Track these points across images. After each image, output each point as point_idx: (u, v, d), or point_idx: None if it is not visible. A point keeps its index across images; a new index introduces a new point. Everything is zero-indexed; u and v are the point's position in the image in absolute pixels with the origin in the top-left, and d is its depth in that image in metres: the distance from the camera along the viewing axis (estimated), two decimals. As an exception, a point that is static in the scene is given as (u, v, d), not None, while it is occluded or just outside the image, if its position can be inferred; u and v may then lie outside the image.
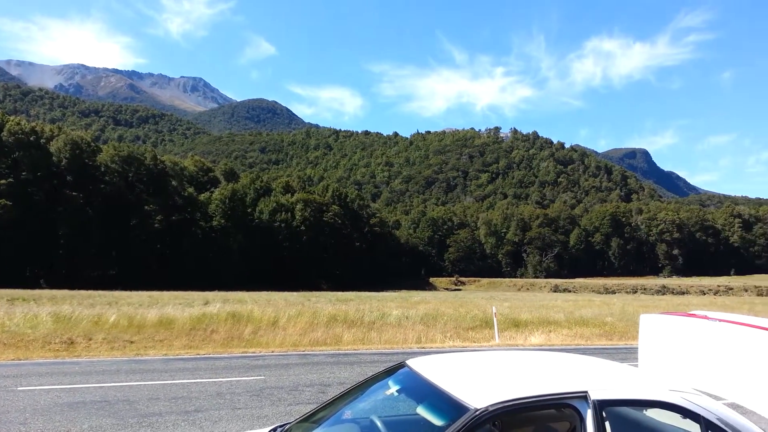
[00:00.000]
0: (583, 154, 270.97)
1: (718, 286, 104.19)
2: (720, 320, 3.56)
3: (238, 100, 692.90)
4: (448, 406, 2.77)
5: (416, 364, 3.45)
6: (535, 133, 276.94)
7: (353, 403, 3.56)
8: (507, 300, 45.67)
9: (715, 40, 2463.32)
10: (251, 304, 25.74)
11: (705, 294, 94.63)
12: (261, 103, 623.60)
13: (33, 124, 79.55)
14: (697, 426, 2.87)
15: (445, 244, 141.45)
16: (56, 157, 72.89)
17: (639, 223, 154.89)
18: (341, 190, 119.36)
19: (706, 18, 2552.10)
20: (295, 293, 52.21)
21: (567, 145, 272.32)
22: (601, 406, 2.75)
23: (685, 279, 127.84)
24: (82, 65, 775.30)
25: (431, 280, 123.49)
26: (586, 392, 2.77)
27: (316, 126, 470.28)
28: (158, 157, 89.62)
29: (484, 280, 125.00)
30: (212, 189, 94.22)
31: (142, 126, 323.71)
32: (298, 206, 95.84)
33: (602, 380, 3.06)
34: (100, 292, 40.95)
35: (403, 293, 65.30)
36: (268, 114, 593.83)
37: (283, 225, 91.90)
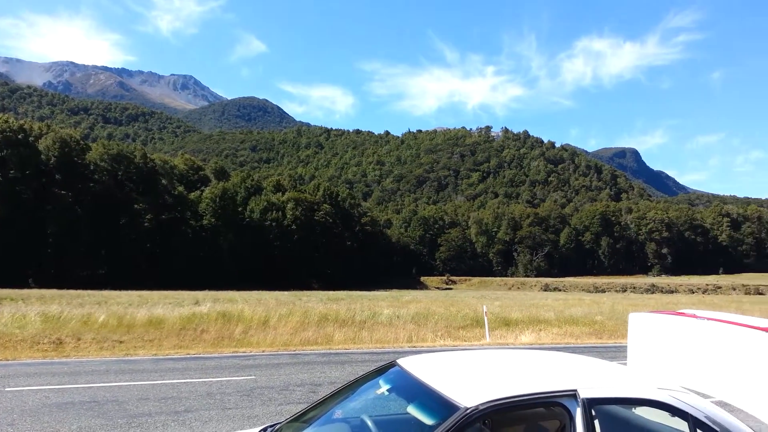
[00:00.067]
0: (574, 153, 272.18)
1: (707, 284, 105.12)
2: (708, 319, 3.59)
3: (229, 98, 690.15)
4: (438, 405, 2.77)
5: (407, 363, 3.45)
6: (525, 133, 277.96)
7: (344, 402, 3.55)
8: (498, 299, 45.82)
9: (704, 40, 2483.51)
10: (242, 303, 25.64)
11: (694, 293, 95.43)
12: (252, 101, 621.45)
13: (21, 121, 78.80)
14: (685, 424, 2.89)
15: (437, 243, 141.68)
16: (45, 156, 72.26)
17: (628, 222, 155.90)
18: (332, 189, 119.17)
19: (695, 18, 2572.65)
20: (286, 292, 52.04)
21: (557, 145, 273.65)
22: (591, 404, 2.77)
23: (674, 278, 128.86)
24: (71, 62, 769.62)
25: (422, 279, 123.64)
26: (576, 390, 2.78)
27: (308, 124, 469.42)
28: (148, 155, 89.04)
29: (475, 279, 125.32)
30: (202, 188, 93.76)
31: (132, 124, 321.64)
32: (289, 205, 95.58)
33: (591, 379, 3.07)
34: (89, 291, 40.63)
35: (395, 292, 65.30)
36: (259, 112, 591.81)
37: (274, 224, 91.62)
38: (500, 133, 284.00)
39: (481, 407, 2.60)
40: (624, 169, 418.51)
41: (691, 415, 2.87)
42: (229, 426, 7.03)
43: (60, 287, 46.92)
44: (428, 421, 2.79)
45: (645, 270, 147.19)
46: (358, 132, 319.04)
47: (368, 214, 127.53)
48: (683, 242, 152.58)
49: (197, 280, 68.24)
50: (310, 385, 9.88)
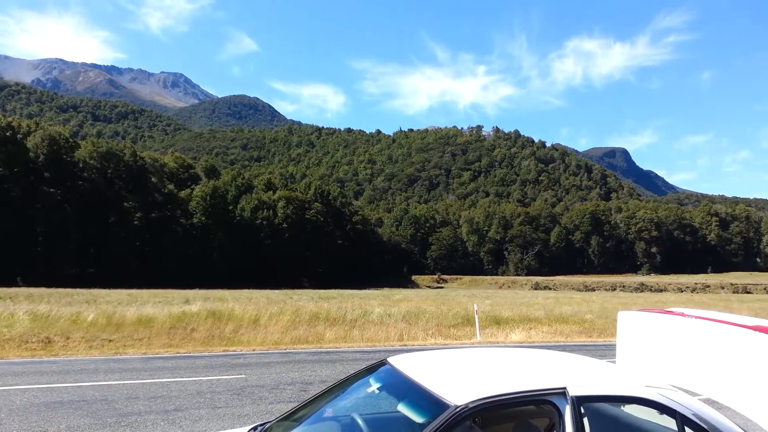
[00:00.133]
0: (564, 153, 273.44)
1: (695, 283, 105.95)
2: (696, 317, 3.61)
3: (220, 96, 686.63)
4: (428, 403, 2.78)
5: (397, 361, 3.46)
6: (516, 132, 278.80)
7: (334, 401, 3.55)
8: (488, 297, 45.95)
9: (693, 41, 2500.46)
10: (232, 302, 25.56)
11: (682, 291, 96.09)
12: (243, 99, 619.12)
13: (9, 119, 78.11)
14: (674, 421, 2.91)
15: (428, 242, 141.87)
16: (33, 153, 71.67)
17: (618, 221, 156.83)
18: (324, 187, 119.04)
19: (685, 19, 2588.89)
20: (276, 291, 51.92)
21: (548, 144, 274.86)
22: (580, 402, 2.78)
23: (663, 276, 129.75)
24: (60, 60, 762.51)
25: (413, 277, 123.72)
26: (565, 388, 2.80)
27: (299, 123, 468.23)
28: (138, 153, 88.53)
29: (466, 278, 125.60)
30: (193, 186, 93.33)
31: (122, 122, 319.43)
32: (280, 204, 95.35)
33: (580, 377, 3.09)
34: (78, 290, 40.36)
35: (386, 291, 65.32)
36: (249, 110, 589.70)
37: (264, 222, 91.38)
38: (491, 133, 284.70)
39: (470, 405, 2.61)
40: (614, 169, 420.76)
41: (679, 413, 2.90)
42: (219, 425, 7.01)
43: (49, 286, 46.56)
44: (418, 419, 2.80)
45: (634, 269, 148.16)
46: (349, 131, 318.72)
47: (359, 212, 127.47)
48: (672, 241, 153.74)
49: (187, 279, 67.93)
50: (301, 384, 9.87)
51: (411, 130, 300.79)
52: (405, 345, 16.38)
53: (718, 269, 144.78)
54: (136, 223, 77.72)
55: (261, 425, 3.54)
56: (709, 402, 3.32)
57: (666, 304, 32.41)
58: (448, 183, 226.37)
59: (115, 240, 74.22)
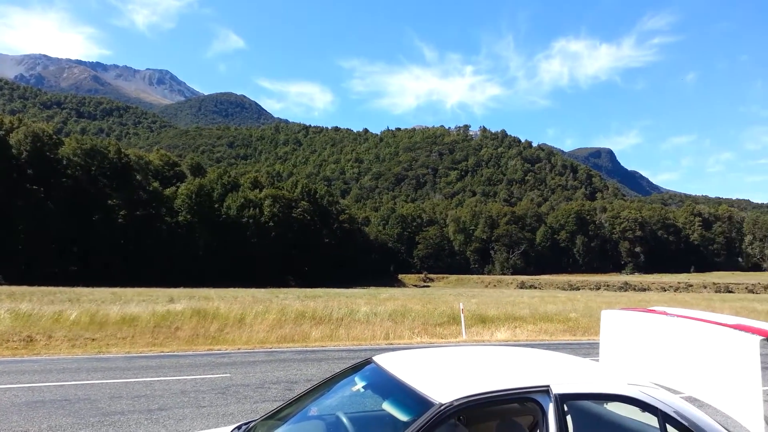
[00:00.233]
0: (550, 153, 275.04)
1: (678, 283, 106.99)
2: (678, 316, 3.64)
3: (206, 94, 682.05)
4: (413, 401, 2.78)
5: (382, 360, 3.46)
6: (503, 132, 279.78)
7: (319, 399, 3.55)
8: (474, 296, 46.13)
9: (678, 43, 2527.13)
10: (217, 300, 25.44)
11: (666, 291, 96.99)
12: (229, 97, 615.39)
13: (-9, 115, 76.94)
14: (655, 419, 2.94)
15: (414, 240, 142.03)
16: (16, 150, 70.67)
17: (603, 221, 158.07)
18: (310, 186, 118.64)
19: (670, 21, 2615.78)
20: (262, 290, 51.74)
21: (534, 144, 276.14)
22: (563, 399, 2.80)
23: (646, 276, 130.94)
24: (44, 55, 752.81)
25: (400, 276, 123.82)
26: (548, 386, 2.81)
27: (286, 121, 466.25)
28: (122, 150, 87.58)
29: (453, 277, 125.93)
30: (178, 184, 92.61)
31: (106, 119, 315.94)
32: (267, 202, 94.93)
33: (564, 375, 3.11)
34: (61, 288, 39.93)
35: (372, 290, 65.33)
36: (236, 108, 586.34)
37: (251, 221, 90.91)
38: (478, 132, 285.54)
39: (455, 403, 2.61)
40: (599, 169, 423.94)
41: (661, 410, 2.92)
42: (203, 424, 6.97)
43: (31, 284, 46.05)
44: (403, 417, 2.81)
45: (618, 268, 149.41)
46: (336, 129, 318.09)
47: (346, 211, 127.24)
48: (656, 241, 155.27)
49: (172, 278, 67.51)
50: (286, 383, 9.84)
51: (398, 129, 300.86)
52: (391, 344, 16.40)
53: (701, 269, 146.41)
54: (120, 221, 76.98)
55: (245, 424, 3.53)
56: (691, 400, 3.35)
57: (649, 303, 32.72)
58: (435, 182, 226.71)
59: (99, 238, 73.43)
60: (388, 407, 3.05)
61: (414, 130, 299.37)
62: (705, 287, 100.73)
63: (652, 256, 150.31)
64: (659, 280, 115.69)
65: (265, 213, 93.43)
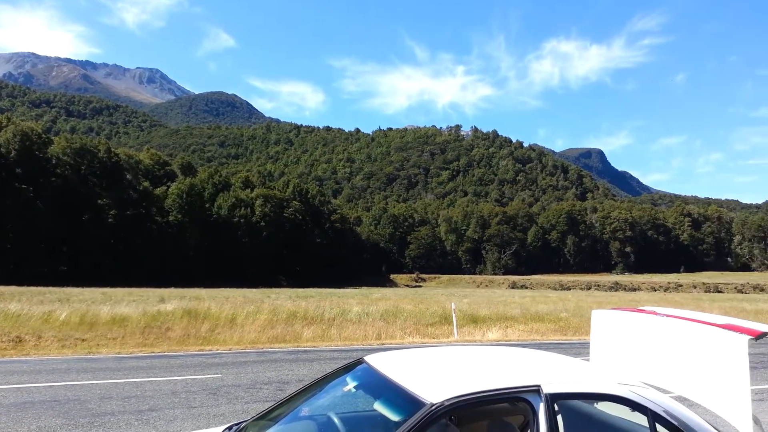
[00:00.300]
0: (541, 153, 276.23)
1: (668, 282, 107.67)
2: (668, 316, 3.66)
3: (197, 93, 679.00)
4: (404, 401, 2.79)
5: (374, 360, 3.46)
6: (494, 132, 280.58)
7: (311, 399, 3.55)
8: (466, 296, 46.19)
9: (668, 44, 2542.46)
10: (208, 301, 25.33)
11: (656, 290, 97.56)
12: (220, 96, 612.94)
13: (-21, 113, 76.24)
14: (645, 418, 2.96)
15: (406, 240, 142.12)
16: (5, 149, 70.05)
17: (593, 221, 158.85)
18: (302, 185, 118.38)
19: (660, 22, 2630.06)
20: (254, 290, 51.59)
21: (525, 144, 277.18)
22: (553, 399, 2.81)
23: (636, 276, 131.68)
24: (33, 54, 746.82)
25: (392, 276, 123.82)
26: (539, 386, 2.83)
27: (277, 120, 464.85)
28: (112, 149, 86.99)
29: (444, 277, 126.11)
30: (169, 183, 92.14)
31: (96, 117, 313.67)
32: (258, 202, 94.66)
33: (554, 374, 3.12)
34: (51, 288, 39.62)
35: (364, 290, 65.30)
36: (227, 107, 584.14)
37: (242, 221, 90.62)
38: (470, 132, 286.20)
39: (446, 403, 2.62)
40: (590, 170, 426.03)
41: (651, 410, 2.94)
42: (194, 425, 6.95)
43: (20, 284, 45.60)
44: (394, 417, 2.81)
45: (609, 268, 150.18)
46: (328, 129, 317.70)
47: (338, 211, 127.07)
48: (646, 241, 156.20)
49: (163, 278, 67.17)
50: (278, 383, 9.83)
51: (390, 129, 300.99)
52: (383, 344, 16.40)
53: (691, 269, 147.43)
54: (110, 220, 76.50)
55: (236, 425, 3.52)
56: (680, 399, 3.38)
57: (639, 303, 32.94)
58: (426, 182, 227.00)
59: (89, 238, 72.93)
60: (379, 407, 3.06)
61: (405, 130, 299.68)
62: (695, 287, 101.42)
63: (642, 256, 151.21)
64: (649, 280, 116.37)
65: (257, 213, 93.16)
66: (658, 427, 2.93)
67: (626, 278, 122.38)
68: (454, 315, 19.57)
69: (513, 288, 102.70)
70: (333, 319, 19.76)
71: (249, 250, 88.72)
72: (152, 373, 10.43)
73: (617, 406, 3.19)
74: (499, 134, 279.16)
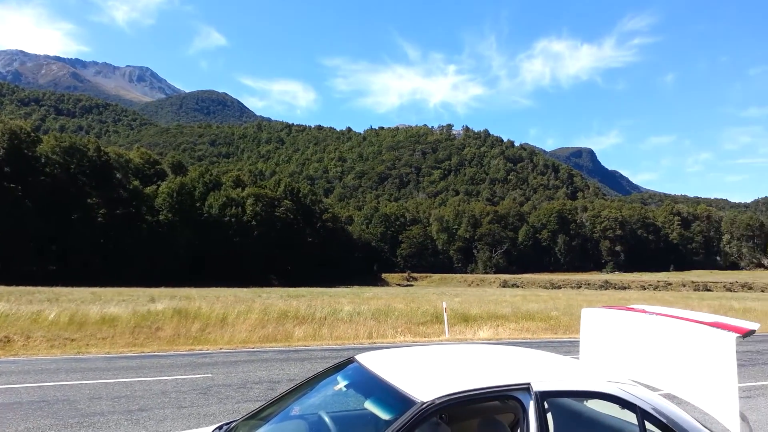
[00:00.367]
0: (532, 152, 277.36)
1: (658, 281, 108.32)
2: (657, 314, 3.67)
3: (187, 91, 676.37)
4: (395, 399, 2.79)
5: (365, 359, 3.46)
6: (486, 131, 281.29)
7: (301, 399, 3.54)
8: (458, 295, 46.27)
9: (658, 44, 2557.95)
10: (199, 300, 25.23)
11: (645, 289, 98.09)
12: (211, 94, 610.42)
13: (-34, 111, 75.51)
14: (634, 415, 2.97)
15: (398, 239, 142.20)
16: (-8, 147, 69.42)
17: (584, 220, 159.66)
18: (293, 184, 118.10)
19: (650, 22, 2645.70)
20: (245, 289, 51.44)
21: (517, 144, 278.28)
22: (543, 397, 2.82)
23: (626, 274, 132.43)
24: (21, 51, 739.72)
25: (383, 275, 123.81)
26: (529, 384, 2.84)
27: (268, 119, 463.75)
28: (102, 148, 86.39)
29: (436, 276, 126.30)
30: (159, 182, 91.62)
31: (86, 116, 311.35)
32: (249, 201, 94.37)
33: (544, 372, 3.13)
34: (40, 288, 39.34)
35: (356, 289, 65.29)
36: (218, 106, 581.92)
37: (233, 220, 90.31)
38: (461, 132, 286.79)
39: (437, 401, 2.62)
40: (580, 169, 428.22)
41: (640, 407, 2.96)
42: (184, 424, 6.92)
43: (8, 284, 45.22)
44: (385, 415, 2.81)
45: (599, 267, 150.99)
46: (319, 128, 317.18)
47: (329, 210, 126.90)
48: (636, 240, 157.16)
49: (153, 277, 66.81)
50: (269, 383, 9.80)
51: (382, 128, 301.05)
52: (374, 343, 16.40)
53: (680, 267, 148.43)
54: (100, 219, 75.97)
55: (226, 424, 3.51)
56: (669, 397, 3.40)
57: (629, 302, 33.12)
58: (418, 181, 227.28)
59: (78, 237, 72.41)
60: (370, 406, 3.05)
61: (397, 129, 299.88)
62: (684, 285, 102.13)
63: (632, 254, 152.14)
64: (639, 278, 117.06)
65: (248, 212, 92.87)
66: (647, 424, 2.95)
67: (616, 277, 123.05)
68: (445, 314, 19.60)
69: (504, 287, 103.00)
70: (324, 319, 19.73)
71: (240, 249, 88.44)
72: (142, 373, 10.38)
73: (607, 404, 3.21)
74: (491, 133, 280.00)
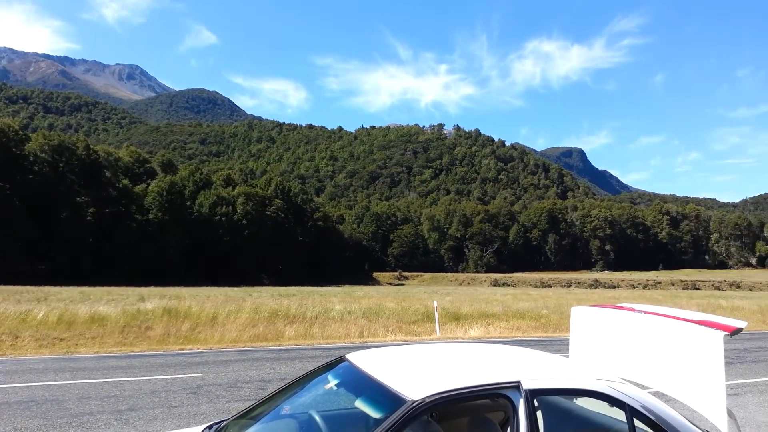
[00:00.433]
0: (523, 152, 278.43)
1: (647, 280, 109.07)
2: (646, 312, 3.69)
3: (177, 90, 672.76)
4: (385, 398, 2.79)
5: (355, 358, 3.46)
6: (477, 131, 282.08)
7: (292, 398, 3.53)
8: (449, 294, 46.33)
9: (647, 45, 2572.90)
10: (189, 299, 25.11)
11: (635, 288, 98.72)
12: (201, 93, 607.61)
13: (-47, 109, 74.70)
14: (623, 413, 2.99)
15: (389, 239, 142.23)
16: (-21, 145, 68.73)
17: (574, 219, 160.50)
18: (284, 183, 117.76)
19: (639, 23, 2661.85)
20: (235, 288, 51.29)
21: (507, 143, 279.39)
22: (533, 395, 2.83)
23: (616, 273, 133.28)
24: (9, 49, 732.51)
25: (375, 274, 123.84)
26: (519, 382, 2.84)
27: (259, 118, 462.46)
28: (91, 146, 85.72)
29: (427, 275, 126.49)
30: (149, 181, 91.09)
31: (75, 114, 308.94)
32: (240, 200, 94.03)
33: (534, 370, 3.15)
34: (28, 287, 39.00)
35: (347, 288, 65.24)
36: (208, 104, 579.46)
37: (223, 219, 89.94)
38: (452, 131, 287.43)
39: (427, 400, 2.63)
40: (570, 168, 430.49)
41: (629, 405, 2.98)
42: (174, 424, 6.89)
43: (-4, 283, 44.80)
44: (375, 414, 2.81)
45: (589, 266, 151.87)
46: (311, 127, 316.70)
47: (321, 209, 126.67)
48: (625, 239, 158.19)
49: (143, 276, 66.46)
50: (259, 382, 9.78)
51: (373, 128, 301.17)
52: (365, 342, 16.39)
53: (669, 266, 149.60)
54: (89, 218, 75.40)
55: (217, 424, 3.49)
56: (658, 394, 3.42)
57: (618, 300, 33.27)
58: (409, 180, 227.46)
59: (67, 236, 71.82)
60: (360, 405, 3.06)
61: (389, 128, 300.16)
62: (673, 284, 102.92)
63: (621, 253, 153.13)
64: (628, 277, 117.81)
65: (238, 211, 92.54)
66: (636, 422, 2.97)
67: (606, 276, 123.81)
68: (436, 313, 19.64)
69: (495, 286, 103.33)
70: (315, 318, 19.70)
71: (230, 248, 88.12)
72: (132, 373, 10.32)
73: (596, 402, 3.22)
74: (482, 133, 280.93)
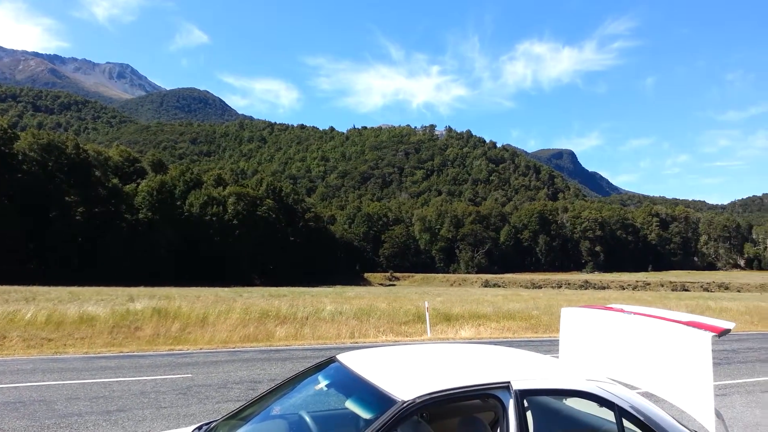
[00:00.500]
0: (514, 153, 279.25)
1: (637, 281, 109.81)
2: (635, 313, 3.71)
3: (168, 89, 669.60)
4: (375, 399, 2.79)
5: (346, 358, 3.46)
6: (468, 132, 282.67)
7: (282, 398, 3.52)
8: (440, 295, 46.39)
9: (638, 48, 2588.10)
10: (179, 300, 24.98)
11: (624, 289, 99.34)
12: (192, 92, 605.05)
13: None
14: (612, 413, 3.01)
15: (380, 239, 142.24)
16: (-33, 144, 68.12)
17: (564, 221, 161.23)
18: (276, 183, 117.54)
19: (630, 26, 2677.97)
20: (226, 289, 51.08)
21: (499, 145, 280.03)
22: (523, 395, 2.84)
23: (606, 274, 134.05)
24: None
25: (366, 275, 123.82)
26: (509, 383, 2.85)
27: (251, 118, 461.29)
28: (81, 145, 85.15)
29: (418, 276, 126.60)
30: (139, 180, 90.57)
31: (64, 113, 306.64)
32: (231, 200, 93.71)
33: (524, 371, 3.16)
34: (17, 287, 38.66)
35: (338, 288, 65.17)
36: (199, 104, 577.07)
37: (214, 219, 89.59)
38: (444, 132, 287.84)
39: (417, 400, 2.63)
40: (561, 170, 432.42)
41: (618, 405, 3.00)
42: (163, 425, 6.86)
43: (-17, 283, 44.40)
44: (366, 415, 2.81)
45: (579, 267, 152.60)
46: (302, 127, 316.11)
47: (312, 210, 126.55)
48: (615, 241, 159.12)
49: (132, 276, 66.04)
50: (249, 383, 9.74)
51: (365, 128, 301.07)
52: (356, 342, 16.38)
53: (658, 267, 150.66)
54: (78, 218, 74.88)
55: (206, 424, 3.48)
56: (647, 395, 3.44)
57: (608, 301, 33.45)
58: (401, 181, 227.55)
59: (56, 235, 71.32)
60: (351, 405, 3.05)
61: (380, 129, 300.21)
62: (662, 285, 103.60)
63: (611, 255, 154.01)
64: (618, 278, 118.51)
65: (229, 211, 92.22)
66: (625, 422, 2.98)
67: (596, 277, 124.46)
68: (427, 313, 19.65)
69: (486, 287, 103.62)
70: (306, 318, 19.66)
71: (221, 248, 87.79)
72: (121, 373, 10.25)
73: (585, 402, 3.24)
74: (473, 134, 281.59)
